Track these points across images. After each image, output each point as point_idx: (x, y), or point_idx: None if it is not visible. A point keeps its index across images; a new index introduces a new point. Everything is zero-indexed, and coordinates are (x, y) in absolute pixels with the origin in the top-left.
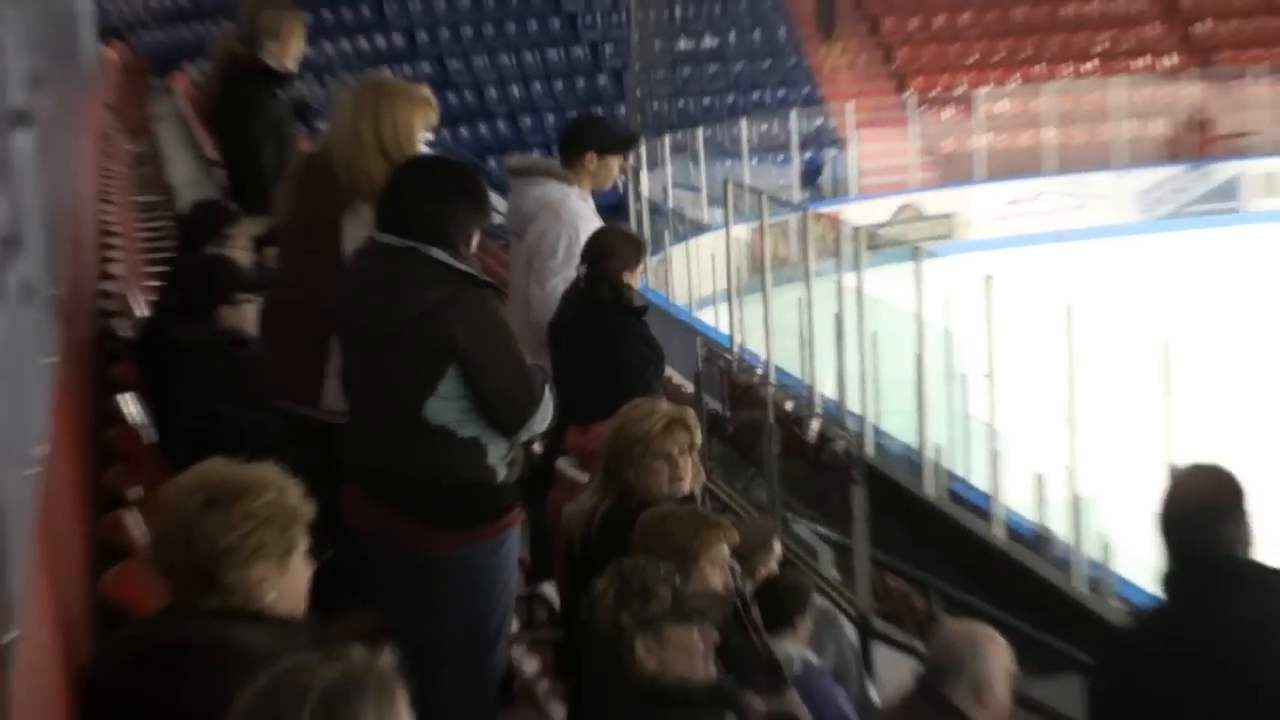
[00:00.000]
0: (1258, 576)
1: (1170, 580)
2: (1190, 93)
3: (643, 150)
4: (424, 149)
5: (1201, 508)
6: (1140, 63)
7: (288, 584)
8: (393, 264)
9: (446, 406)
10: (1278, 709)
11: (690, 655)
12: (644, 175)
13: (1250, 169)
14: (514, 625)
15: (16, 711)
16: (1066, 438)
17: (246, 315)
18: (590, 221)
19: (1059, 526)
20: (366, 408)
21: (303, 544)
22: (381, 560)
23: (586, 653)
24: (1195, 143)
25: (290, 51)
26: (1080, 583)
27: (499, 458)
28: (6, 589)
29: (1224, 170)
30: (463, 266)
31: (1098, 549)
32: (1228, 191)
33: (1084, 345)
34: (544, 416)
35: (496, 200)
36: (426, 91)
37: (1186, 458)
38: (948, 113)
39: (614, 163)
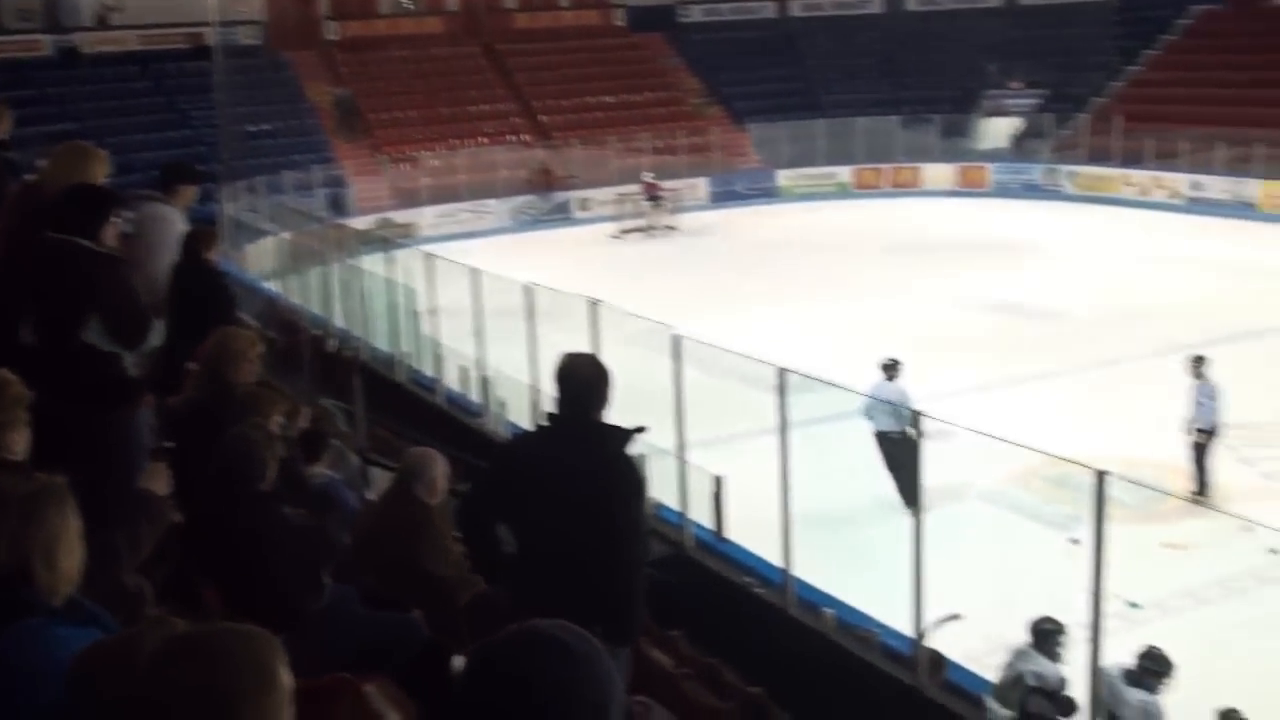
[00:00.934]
0: (602, 427)
1: (552, 416)
2: (539, 154)
3: (227, 188)
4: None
5: (583, 376)
6: (511, 138)
7: (24, 441)
8: (61, 249)
9: (94, 333)
10: (598, 501)
11: (274, 471)
12: (227, 204)
13: (573, 196)
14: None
15: None
16: (475, 346)
17: None
18: (181, 225)
19: (476, 396)
20: (48, 335)
21: (27, 416)
22: (73, 426)
23: (218, 470)
24: (544, 182)
25: (3, 127)
26: (491, 425)
27: (130, 364)
28: None
29: (560, 197)
30: (102, 249)
31: (499, 407)
32: (563, 208)
33: (486, 292)
34: (155, 339)
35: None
36: (104, 153)
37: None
38: (405, 167)
39: (192, 190)
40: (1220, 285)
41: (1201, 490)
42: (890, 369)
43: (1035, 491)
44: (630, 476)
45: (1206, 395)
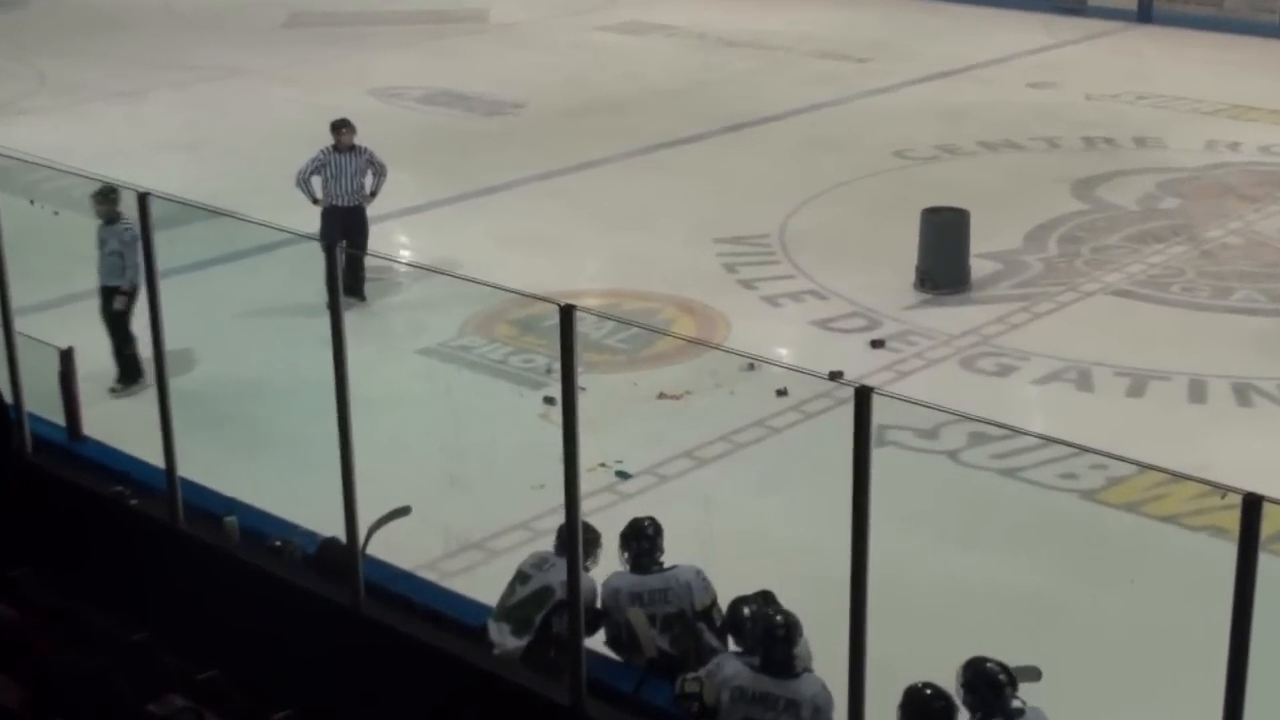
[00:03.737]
0: None
1: None
2: None
3: None
4: None
5: None
6: None
7: None
8: None
9: None
10: None
11: None
12: None
13: None
14: None
15: None
16: None
17: None
18: None
19: None
20: None
21: None
22: None
23: None
24: None
25: None
26: None
27: None
28: None
29: None
30: None
31: None
32: None
33: None
34: None
35: None
36: None
37: None
38: None
39: None
40: (706, 62)
41: (127, 378)
42: (340, 132)
43: (502, 340)
44: None
45: (126, 241)
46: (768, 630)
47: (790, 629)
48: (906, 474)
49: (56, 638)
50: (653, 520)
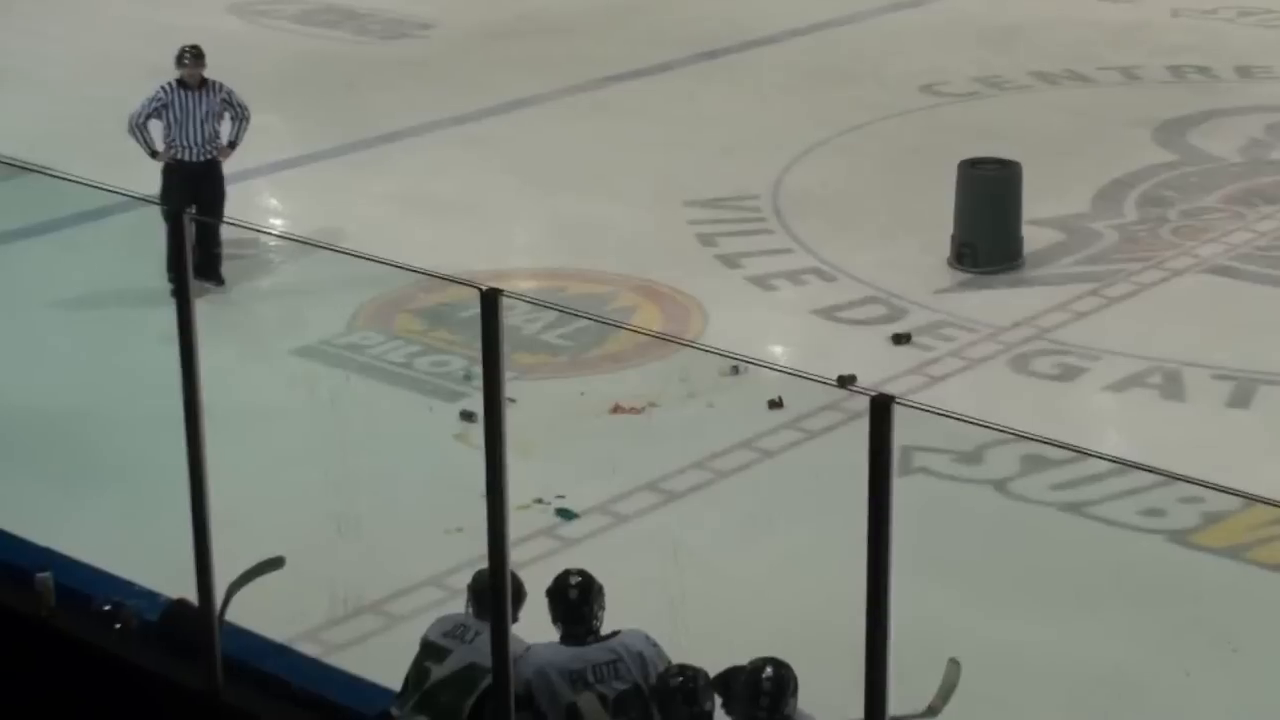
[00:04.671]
0: None
1: None
2: None
3: None
4: None
5: None
6: None
7: None
8: None
9: None
10: None
11: None
12: None
13: None
14: None
15: None
16: None
17: None
18: None
19: None
20: None
21: None
22: None
23: None
24: None
25: None
26: None
27: None
28: None
29: None
30: None
31: None
32: None
33: None
34: None
35: None
36: None
37: None
38: None
39: None
40: None
41: None
42: (187, 63)
43: (405, 336)
44: None
45: None
46: (753, 689)
47: (780, 684)
48: (940, 510)
49: None
50: (582, 575)
